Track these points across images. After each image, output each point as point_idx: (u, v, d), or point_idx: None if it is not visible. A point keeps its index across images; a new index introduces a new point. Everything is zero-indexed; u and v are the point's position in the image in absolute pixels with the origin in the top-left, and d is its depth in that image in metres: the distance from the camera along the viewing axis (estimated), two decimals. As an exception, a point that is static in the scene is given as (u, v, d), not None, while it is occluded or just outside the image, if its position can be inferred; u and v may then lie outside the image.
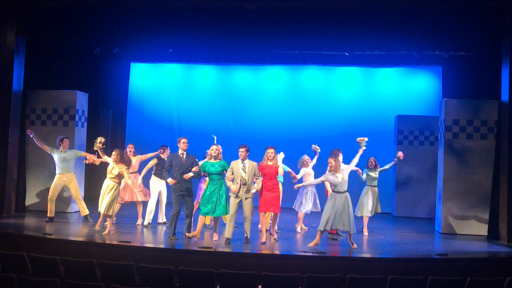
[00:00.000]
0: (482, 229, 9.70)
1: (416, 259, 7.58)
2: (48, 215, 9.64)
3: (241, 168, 8.12)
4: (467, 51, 10.70)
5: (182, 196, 8.31)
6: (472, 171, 9.90)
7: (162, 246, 8.06)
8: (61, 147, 9.76)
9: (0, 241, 7.95)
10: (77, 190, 9.90)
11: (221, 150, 8.46)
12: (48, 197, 9.70)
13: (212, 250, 7.57)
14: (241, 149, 8.18)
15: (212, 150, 8.30)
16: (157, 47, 11.68)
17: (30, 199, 11.05)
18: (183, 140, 8.38)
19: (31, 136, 9.79)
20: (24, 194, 10.88)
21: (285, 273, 6.09)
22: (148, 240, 8.62)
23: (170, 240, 8.21)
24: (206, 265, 6.97)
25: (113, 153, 8.74)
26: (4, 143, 10.27)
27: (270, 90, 13.80)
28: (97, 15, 10.62)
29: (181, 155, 8.36)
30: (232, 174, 8.15)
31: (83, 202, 9.95)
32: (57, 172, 9.81)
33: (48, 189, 10.95)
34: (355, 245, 8.06)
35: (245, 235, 8.23)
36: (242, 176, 8.08)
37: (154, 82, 14.15)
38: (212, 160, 8.28)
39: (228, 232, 8.11)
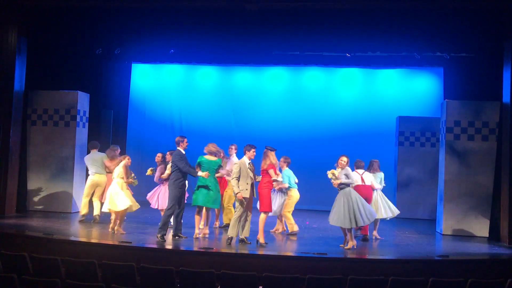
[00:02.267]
0: (483, 231, 9.68)
1: (417, 261, 7.57)
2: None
3: (249, 168, 8.16)
4: (469, 53, 10.70)
5: (182, 195, 8.40)
6: (473, 172, 9.88)
7: (162, 246, 8.05)
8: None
9: (1, 241, 7.95)
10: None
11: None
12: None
13: (213, 250, 7.57)
14: (254, 149, 8.27)
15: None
16: (159, 48, 11.69)
17: (31, 200, 11.05)
18: (185, 140, 8.49)
19: None
20: (25, 195, 10.88)
21: (286, 274, 6.08)
22: (149, 241, 8.62)
23: (175, 240, 8.21)
24: (207, 265, 6.96)
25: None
26: (6, 143, 10.28)
27: (271, 91, 13.80)
28: (98, 16, 10.63)
29: (184, 154, 8.46)
30: (239, 173, 8.10)
31: (99, 203, 10.00)
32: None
33: (48, 189, 11.02)
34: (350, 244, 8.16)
35: (247, 235, 8.23)
36: (250, 176, 8.14)
37: (155, 82, 14.17)
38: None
39: (234, 232, 8.11)
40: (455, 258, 7.67)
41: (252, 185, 8.11)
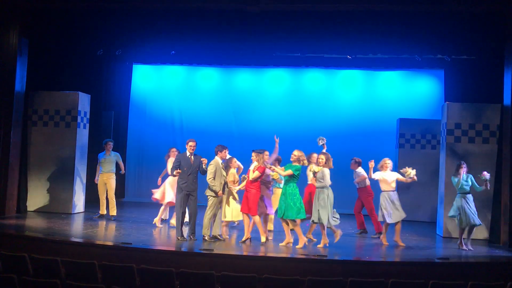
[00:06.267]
0: (483, 233, 9.67)
1: (417, 263, 7.57)
2: (100, 212, 10.34)
3: (222, 167, 8.40)
4: (470, 55, 10.71)
5: (188, 196, 8.41)
6: (473, 175, 9.81)
7: (163, 248, 8.05)
8: (105, 150, 10.36)
9: (1, 242, 7.95)
10: (112, 189, 10.38)
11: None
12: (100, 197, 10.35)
13: (213, 252, 7.57)
14: (226, 150, 8.47)
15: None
16: (160, 49, 11.72)
17: (32, 200, 11.05)
18: (190, 143, 8.51)
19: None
20: (25, 195, 10.87)
21: (286, 276, 6.08)
22: (149, 242, 8.62)
23: (178, 241, 8.27)
24: (207, 267, 6.95)
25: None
26: (6, 144, 10.28)
27: (272, 92, 13.80)
28: (100, 17, 10.64)
29: (189, 156, 8.46)
30: (215, 173, 8.26)
31: (114, 202, 10.31)
32: (100, 171, 10.36)
33: (49, 190, 11.02)
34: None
35: (219, 232, 8.52)
36: (223, 175, 8.39)
37: (156, 84, 14.17)
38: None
39: (208, 231, 8.33)
40: (455, 261, 7.66)
41: (225, 184, 8.42)
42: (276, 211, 8.73)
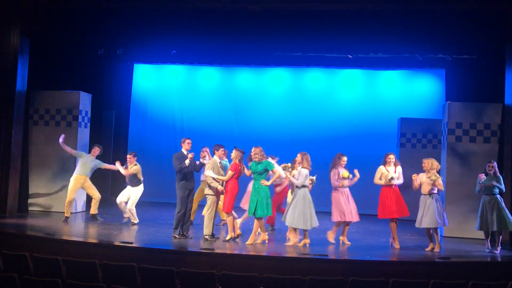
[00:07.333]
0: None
1: (418, 262, 7.57)
2: (66, 215, 9.96)
3: (220, 167, 8.41)
4: (471, 54, 10.70)
5: (189, 194, 8.46)
6: (475, 174, 9.80)
7: (164, 247, 8.05)
8: (91, 153, 10.20)
9: (3, 241, 7.97)
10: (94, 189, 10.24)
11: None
12: (69, 199, 10.02)
13: (214, 251, 7.57)
14: (222, 148, 8.49)
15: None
16: (161, 49, 11.72)
17: (33, 199, 11.06)
18: (187, 141, 8.55)
19: (61, 141, 10.06)
20: (26, 194, 10.89)
21: (286, 275, 6.08)
22: (150, 241, 8.63)
23: (176, 239, 8.28)
24: (207, 266, 6.96)
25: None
26: (7, 143, 10.29)
27: (273, 92, 13.81)
28: (101, 16, 10.65)
29: (187, 154, 8.50)
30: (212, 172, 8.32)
31: (98, 202, 10.20)
32: (76, 173, 10.10)
33: (50, 189, 11.02)
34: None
35: (212, 232, 8.53)
36: (222, 174, 8.41)
37: (157, 83, 14.18)
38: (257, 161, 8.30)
39: (210, 230, 8.37)
40: (456, 260, 7.67)
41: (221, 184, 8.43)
42: None
